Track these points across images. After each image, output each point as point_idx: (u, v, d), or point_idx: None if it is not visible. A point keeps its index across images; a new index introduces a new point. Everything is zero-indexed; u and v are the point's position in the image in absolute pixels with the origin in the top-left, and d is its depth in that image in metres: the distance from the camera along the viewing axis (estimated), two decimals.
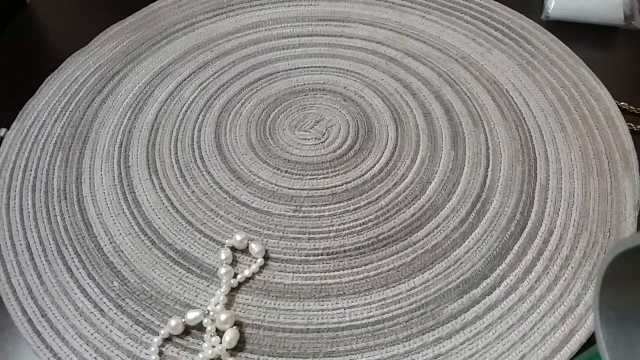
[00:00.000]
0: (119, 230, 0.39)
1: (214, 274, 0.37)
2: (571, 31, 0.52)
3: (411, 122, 0.45)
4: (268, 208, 0.40)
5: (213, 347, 0.33)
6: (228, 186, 0.42)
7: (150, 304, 0.35)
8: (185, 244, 0.38)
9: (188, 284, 0.36)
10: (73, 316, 0.35)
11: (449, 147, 0.43)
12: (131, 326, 0.34)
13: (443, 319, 0.34)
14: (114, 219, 0.40)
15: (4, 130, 0.46)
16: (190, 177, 0.42)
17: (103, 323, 0.35)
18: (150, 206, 0.41)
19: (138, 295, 0.36)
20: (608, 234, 0.38)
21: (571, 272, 0.36)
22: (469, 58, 0.50)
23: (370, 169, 0.42)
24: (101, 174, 0.43)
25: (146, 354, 0.33)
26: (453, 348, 0.33)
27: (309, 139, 0.45)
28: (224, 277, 0.36)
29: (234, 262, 0.37)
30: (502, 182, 0.41)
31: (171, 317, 0.34)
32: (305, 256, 0.37)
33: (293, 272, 0.37)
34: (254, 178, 0.42)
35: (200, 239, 0.39)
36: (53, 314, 0.35)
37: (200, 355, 0.33)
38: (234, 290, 0.36)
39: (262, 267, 0.37)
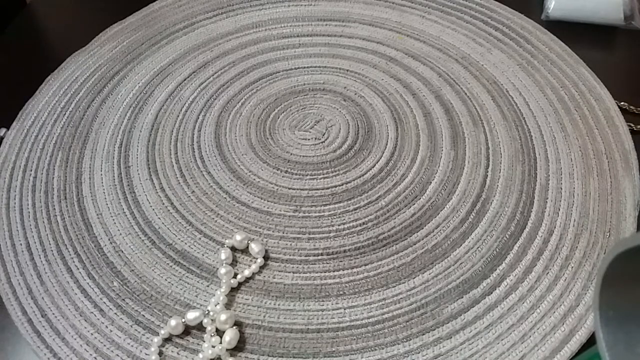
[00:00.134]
0: (119, 230, 0.39)
1: (214, 274, 0.37)
2: (571, 31, 0.52)
3: (411, 122, 0.45)
4: (268, 208, 0.40)
5: (213, 347, 0.33)
6: (228, 186, 0.42)
7: (150, 304, 0.35)
8: (185, 244, 0.38)
9: (188, 284, 0.36)
10: (73, 316, 0.35)
11: (449, 147, 0.43)
12: (131, 326, 0.34)
13: (443, 319, 0.34)
14: (114, 219, 0.40)
15: (4, 130, 0.46)
16: (190, 177, 0.42)
17: (103, 323, 0.35)
18: (150, 206, 0.41)
19: (138, 295, 0.36)
20: (608, 234, 0.38)
21: (571, 272, 0.36)
22: (469, 58, 0.50)
23: (370, 169, 0.42)
24: (101, 174, 0.43)
25: (146, 354, 0.33)
26: (453, 348, 0.33)
27: (309, 139, 0.45)
28: (224, 277, 0.36)
29: (234, 262, 0.37)
30: (502, 182, 0.41)
31: (171, 317, 0.34)
32: (305, 256, 0.37)
33: (293, 272, 0.37)
34: (254, 178, 0.42)
35: (200, 239, 0.39)
36: (53, 314, 0.35)
37: (200, 355, 0.33)
38: (234, 290, 0.36)
39: (262, 267, 0.37)
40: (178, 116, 0.47)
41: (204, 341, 0.33)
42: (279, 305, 0.35)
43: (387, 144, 0.44)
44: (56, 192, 0.42)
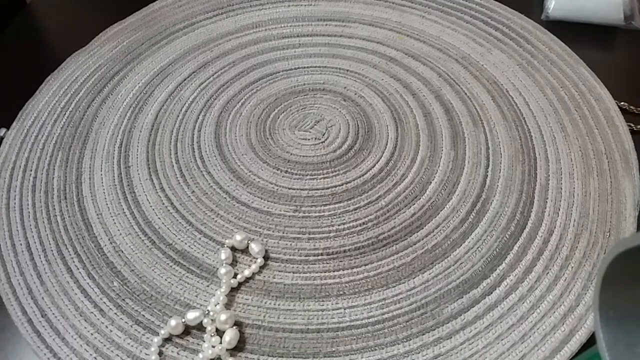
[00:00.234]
0: (119, 230, 0.39)
1: (214, 274, 0.37)
2: (571, 31, 0.52)
3: (411, 122, 0.45)
4: (268, 208, 0.40)
5: (213, 347, 0.33)
6: (228, 186, 0.42)
7: (150, 304, 0.35)
8: (185, 244, 0.38)
9: (188, 284, 0.36)
10: (73, 316, 0.35)
11: (449, 147, 0.43)
12: (131, 326, 0.34)
13: (443, 319, 0.34)
14: (114, 219, 0.40)
15: (4, 130, 0.46)
16: (190, 177, 0.42)
17: (103, 323, 0.35)
18: (150, 206, 0.41)
19: (138, 295, 0.36)
20: (608, 234, 0.38)
21: (571, 272, 0.36)
22: (469, 58, 0.50)
23: (370, 169, 0.42)
24: (101, 174, 0.43)
25: (146, 354, 0.33)
26: (453, 348, 0.33)
27: (309, 139, 0.45)
28: (224, 277, 0.36)
29: (234, 262, 0.37)
30: (502, 182, 0.41)
31: (171, 317, 0.34)
32: (305, 256, 0.37)
33: (293, 272, 0.37)
34: (254, 178, 0.42)
35: (200, 239, 0.39)
36: (53, 314, 0.35)
37: (200, 355, 0.33)
38: (234, 290, 0.36)
39: (262, 267, 0.37)
40: (178, 116, 0.47)
41: (204, 341, 0.33)
42: (279, 305, 0.35)
43: (387, 144, 0.44)
44: (56, 192, 0.42)
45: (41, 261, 0.38)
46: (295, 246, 0.38)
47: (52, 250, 0.38)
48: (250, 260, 0.37)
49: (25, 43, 0.55)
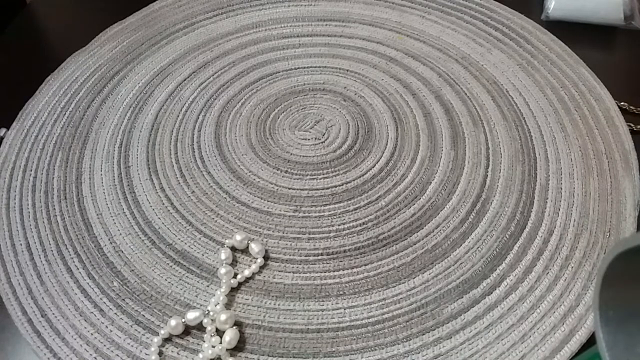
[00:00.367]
0: (119, 230, 0.39)
1: (214, 274, 0.37)
2: (571, 31, 0.52)
3: (411, 122, 0.45)
4: (268, 208, 0.40)
5: (213, 347, 0.33)
6: (228, 186, 0.42)
7: (150, 304, 0.35)
8: (185, 244, 0.38)
9: (188, 284, 0.36)
10: (73, 316, 0.35)
11: (449, 147, 0.43)
12: (131, 326, 0.34)
13: (443, 319, 0.34)
14: (114, 219, 0.40)
15: (4, 130, 0.46)
16: (190, 177, 0.42)
17: (103, 323, 0.35)
18: (150, 206, 0.41)
19: (138, 295, 0.36)
20: (608, 234, 0.38)
21: (571, 272, 0.36)
22: (469, 58, 0.50)
23: (370, 169, 0.42)
24: (101, 174, 0.43)
25: (146, 354, 0.33)
26: (453, 348, 0.33)
27: (309, 139, 0.45)
28: (224, 277, 0.36)
29: (234, 262, 0.37)
30: (502, 182, 0.41)
31: (171, 317, 0.34)
32: (305, 256, 0.37)
33: (293, 272, 0.37)
34: (254, 178, 0.42)
35: (200, 239, 0.39)
36: (53, 314, 0.35)
37: (200, 355, 0.33)
38: (234, 290, 0.36)
39: (262, 267, 0.37)
40: (178, 116, 0.47)
41: (204, 341, 0.33)
42: (279, 305, 0.35)
43: (387, 144, 0.44)
44: (56, 192, 0.42)
45: (41, 261, 0.38)
46: (295, 246, 0.38)
47: (52, 250, 0.38)
48: (250, 260, 0.37)
49: (25, 43, 0.55)
